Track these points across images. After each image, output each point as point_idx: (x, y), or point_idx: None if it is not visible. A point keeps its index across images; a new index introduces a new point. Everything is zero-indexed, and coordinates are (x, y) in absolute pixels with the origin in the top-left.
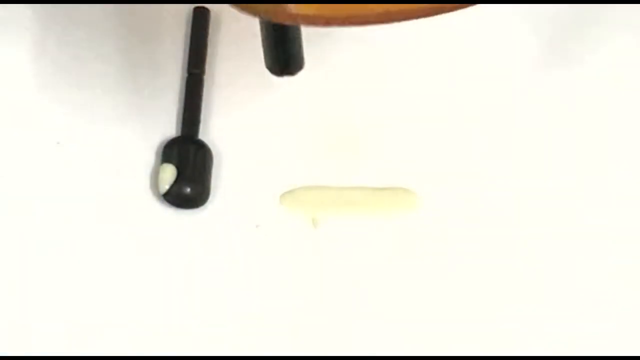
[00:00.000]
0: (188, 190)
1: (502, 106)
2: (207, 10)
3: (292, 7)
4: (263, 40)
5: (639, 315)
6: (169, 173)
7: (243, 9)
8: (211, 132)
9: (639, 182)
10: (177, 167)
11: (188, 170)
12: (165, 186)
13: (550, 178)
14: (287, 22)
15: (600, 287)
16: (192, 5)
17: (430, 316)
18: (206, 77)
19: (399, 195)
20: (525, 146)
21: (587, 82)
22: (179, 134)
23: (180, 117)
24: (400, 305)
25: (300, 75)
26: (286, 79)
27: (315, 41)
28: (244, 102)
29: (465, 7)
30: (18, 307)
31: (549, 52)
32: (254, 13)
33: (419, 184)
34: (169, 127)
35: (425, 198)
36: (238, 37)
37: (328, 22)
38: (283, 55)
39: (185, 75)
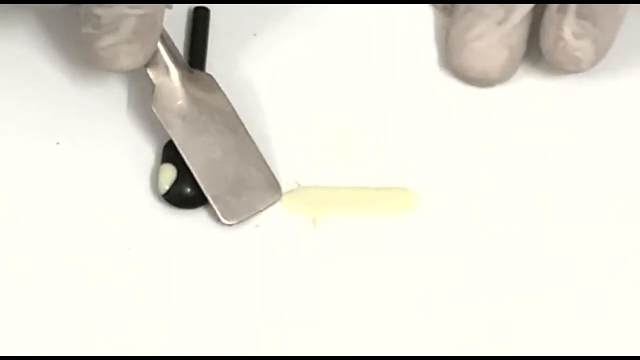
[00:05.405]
0: (188, 190)
1: (503, 105)
2: (207, 10)
3: None
4: None
5: (639, 315)
6: (169, 173)
7: None
8: None
9: None
10: (177, 167)
11: (188, 170)
12: (165, 186)
13: (551, 177)
14: None
15: (601, 287)
16: (192, 5)
17: (430, 316)
18: None
19: (399, 195)
20: (526, 145)
21: (587, 81)
22: None
23: None
24: (400, 305)
25: (300, 74)
26: (285, 79)
27: (314, 39)
28: None
29: None
30: (17, 307)
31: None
32: None
33: (419, 184)
34: None
35: (425, 198)
36: (238, 37)
37: None
38: None
39: None
